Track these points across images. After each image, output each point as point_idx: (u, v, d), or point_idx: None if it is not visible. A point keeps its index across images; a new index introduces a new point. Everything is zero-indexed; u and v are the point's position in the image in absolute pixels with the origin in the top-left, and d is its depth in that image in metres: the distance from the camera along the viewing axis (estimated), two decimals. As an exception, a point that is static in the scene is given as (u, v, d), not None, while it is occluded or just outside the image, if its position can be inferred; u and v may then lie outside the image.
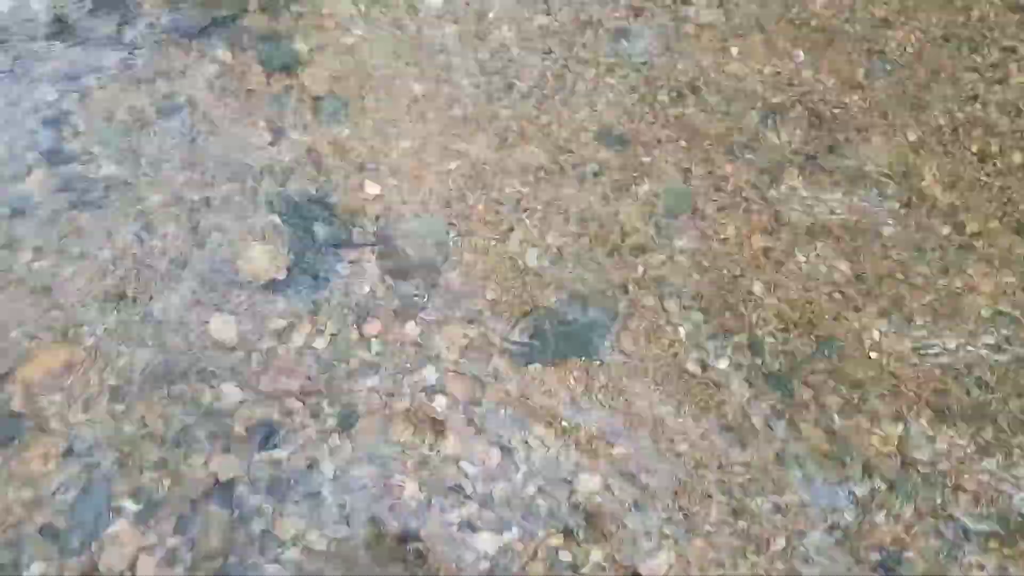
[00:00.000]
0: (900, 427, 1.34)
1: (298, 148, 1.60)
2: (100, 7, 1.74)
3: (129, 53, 1.69)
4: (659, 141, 1.62)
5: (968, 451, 1.32)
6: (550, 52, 1.74)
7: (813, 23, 1.77)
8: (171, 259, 1.45)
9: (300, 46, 1.72)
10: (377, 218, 1.52)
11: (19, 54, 1.68)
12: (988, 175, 1.57)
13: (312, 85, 1.68)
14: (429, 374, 1.35)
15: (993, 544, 1.25)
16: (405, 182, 1.57)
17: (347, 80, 1.69)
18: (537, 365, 1.37)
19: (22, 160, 1.55)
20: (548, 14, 1.79)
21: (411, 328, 1.40)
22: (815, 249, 1.49)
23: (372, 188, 1.56)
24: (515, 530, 1.22)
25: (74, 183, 1.54)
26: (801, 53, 1.72)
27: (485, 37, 1.75)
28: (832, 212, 1.53)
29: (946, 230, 1.52)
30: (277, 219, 1.51)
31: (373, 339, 1.38)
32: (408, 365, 1.36)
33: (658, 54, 1.73)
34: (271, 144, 1.60)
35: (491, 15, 1.78)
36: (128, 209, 1.50)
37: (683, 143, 1.61)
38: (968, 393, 1.38)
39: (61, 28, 1.71)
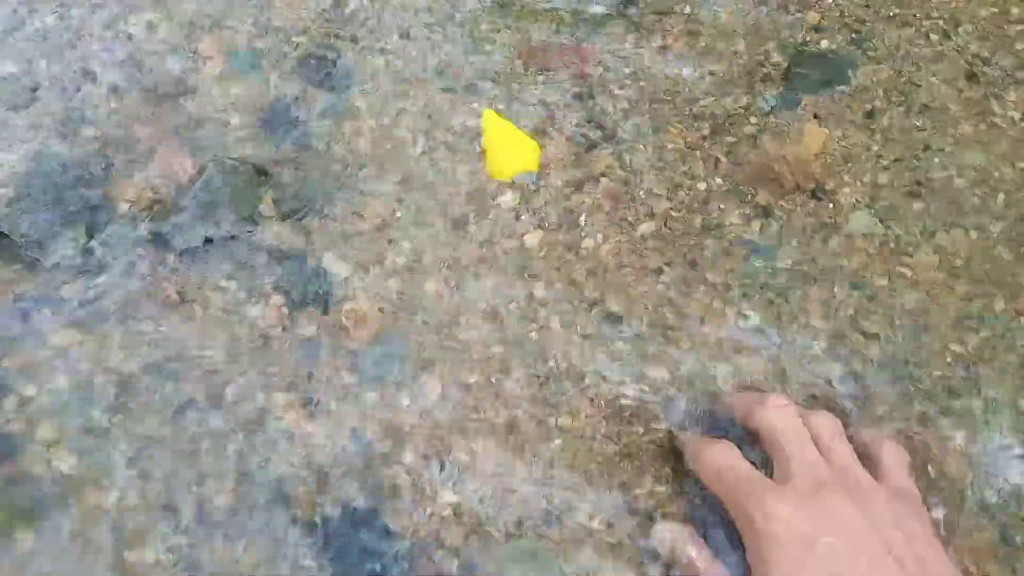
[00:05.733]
0: None
1: (338, 431, 1.15)
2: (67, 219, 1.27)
3: (94, 283, 1.23)
4: None
5: None
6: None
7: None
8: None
9: (334, 268, 1.27)
10: (458, 551, 1.07)
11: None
12: None
13: (353, 330, 1.23)
14: None
15: None
16: (489, 489, 1.12)
17: (399, 319, 1.24)
18: None
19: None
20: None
21: None
22: None
23: (447, 496, 1.11)
24: None
25: (23, 484, 1.08)
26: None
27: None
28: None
29: None
30: (313, 563, 1.06)
31: None
32: None
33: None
34: (300, 427, 1.15)
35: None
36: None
37: None
38: None
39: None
